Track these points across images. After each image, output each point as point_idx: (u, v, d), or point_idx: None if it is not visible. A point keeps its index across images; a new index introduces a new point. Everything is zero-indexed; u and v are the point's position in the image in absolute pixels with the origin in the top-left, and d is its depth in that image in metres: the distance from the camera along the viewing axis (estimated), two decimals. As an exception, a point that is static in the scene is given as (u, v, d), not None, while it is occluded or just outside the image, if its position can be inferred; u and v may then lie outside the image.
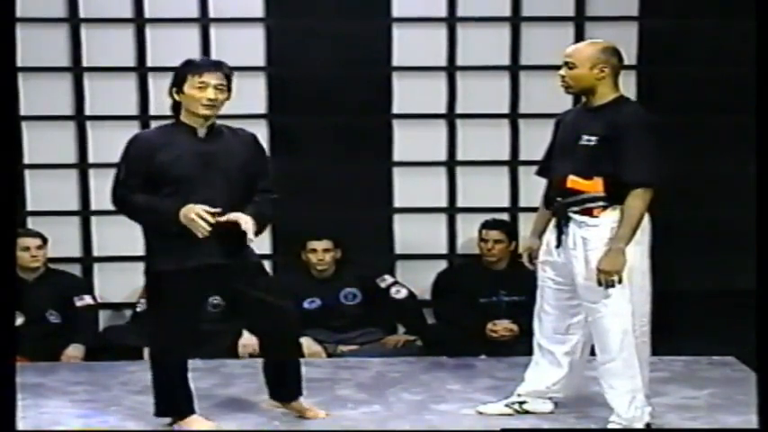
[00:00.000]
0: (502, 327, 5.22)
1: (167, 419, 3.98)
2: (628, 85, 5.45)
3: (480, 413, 4.16)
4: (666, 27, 5.60)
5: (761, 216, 2.37)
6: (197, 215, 3.65)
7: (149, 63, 5.60)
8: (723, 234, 5.58)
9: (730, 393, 4.42)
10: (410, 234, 5.69)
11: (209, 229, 3.66)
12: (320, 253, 5.35)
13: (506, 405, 4.15)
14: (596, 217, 3.78)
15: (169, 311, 3.82)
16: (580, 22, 5.61)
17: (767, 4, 2.39)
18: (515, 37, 5.64)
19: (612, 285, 3.70)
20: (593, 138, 3.78)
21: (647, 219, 3.80)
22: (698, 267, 5.59)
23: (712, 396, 4.41)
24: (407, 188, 5.71)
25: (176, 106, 3.86)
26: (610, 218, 3.76)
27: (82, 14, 5.55)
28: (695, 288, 5.55)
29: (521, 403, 4.13)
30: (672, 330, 4.98)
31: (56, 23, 5.54)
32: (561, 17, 5.62)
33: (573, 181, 3.81)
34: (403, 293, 5.45)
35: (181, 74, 3.82)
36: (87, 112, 5.61)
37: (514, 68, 5.65)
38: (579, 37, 5.44)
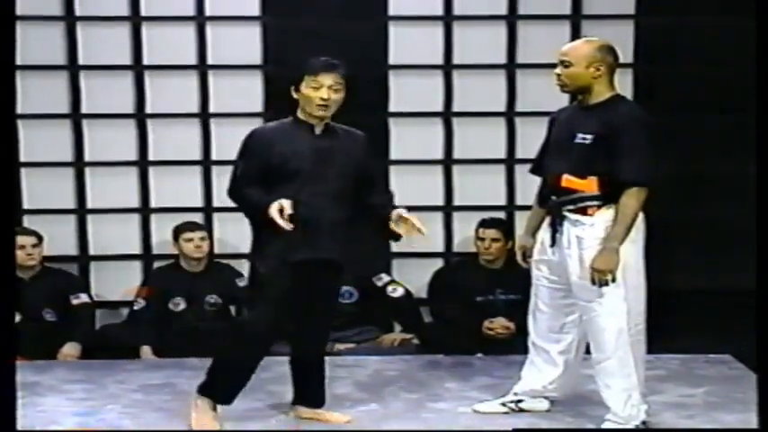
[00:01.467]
0: (498, 325, 5.23)
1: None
2: (624, 84, 5.45)
3: (477, 411, 4.17)
4: (663, 25, 5.60)
5: (761, 216, 2.36)
6: (276, 210, 3.66)
7: (146, 61, 5.59)
8: (720, 233, 5.58)
9: (727, 391, 4.43)
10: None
11: (288, 226, 3.67)
12: (317, 251, 5.34)
13: (503, 403, 4.15)
14: (591, 216, 3.78)
15: (271, 303, 3.82)
16: (576, 20, 5.61)
17: (767, 4, 2.38)
18: (512, 35, 5.64)
19: (606, 284, 3.70)
20: (589, 136, 3.77)
21: (641, 217, 3.80)
22: (695, 266, 5.59)
23: (709, 394, 4.42)
24: (404, 187, 5.66)
25: (294, 102, 3.91)
26: (604, 217, 3.76)
27: (78, 12, 5.55)
28: (692, 287, 5.56)
29: (517, 402, 4.13)
30: (669, 329, 4.99)
31: (52, 21, 5.53)
32: (558, 15, 5.62)
33: (568, 180, 3.81)
34: (399, 292, 5.45)
35: (298, 73, 3.87)
36: (83, 110, 5.60)
37: (511, 67, 5.66)
38: (576, 35, 5.44)
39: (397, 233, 3.88)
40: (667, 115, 5.26)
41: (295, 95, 3.87)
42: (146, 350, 5.20)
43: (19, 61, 5.42)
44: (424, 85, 5.67)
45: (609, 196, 3.75)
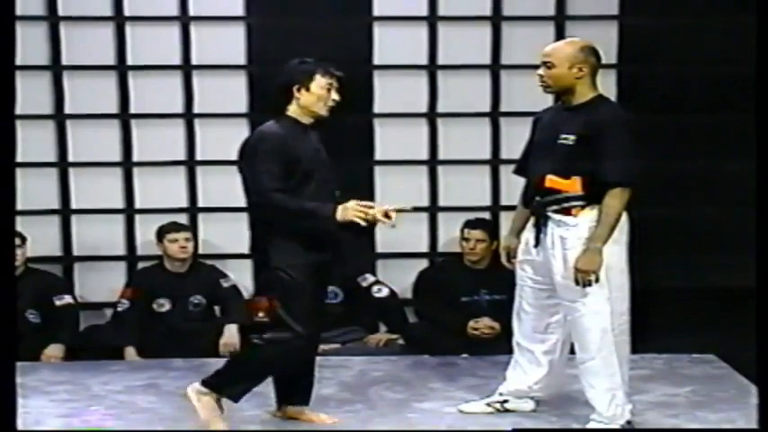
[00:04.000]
0: (483, 324, 5.23)
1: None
2: (608, 84, 5.47)
3: (462, 412, 4.17)
4: (647, 25, 5.62)
5: (761, 216, 2.36)
6: (356, 210, 3.69)
7: (130, 61, 5.58)
8: (703, 232, 5.60)
9: (710, 390, 4.45)
10: (391, 233, 5.65)
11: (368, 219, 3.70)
12: (301, 252, 5.34)
13: (488, 404, 4.16)
14: (574, 216, 3.78)
15: (301, 303, 3.78)
16: (560, 21, 5.62)
17: (767, 4, 2.37)
18: (496, 36, 5.65)
19: (590, 284, 3.71)
20: (571, 137, 3.78)
21: (625, 217, 3.81)
22: (678, 266, 5.60)
23: (693, 393, 4.43)
24: (389, 187, 5.71)
25: (282, 102, 3.86)
26: (588, 217, 3.77)
27: (61, 12, 5.53)
28: (676, 286, 5.57)
29: (502, 402, 4.14)
30: (653, 328, 5.00)
31: (35, 21, 5.51)
32: (542, 16, 5.63)
33: (551, 180, 3.82)
34: (384, 292, 5.45)
35: (308, 71, 3.84)
36: (67, 110, 5.58)
37: (495, 67, 5.66)
38: (560, 36, 5.45)
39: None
40: (650, 115, 5.28)
41: (297, 94, 3.83)
42: (130, 351, 5.19)
43: (2, 61, 5.41)
44: (409, 85, 5.68)
45: (592, 197, 3.76)
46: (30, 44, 5.48)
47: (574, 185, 3.78)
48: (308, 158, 3.80)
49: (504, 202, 5.63)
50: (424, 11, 5.64)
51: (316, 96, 3.84)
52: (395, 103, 5.67)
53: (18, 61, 5.69)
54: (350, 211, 3.70)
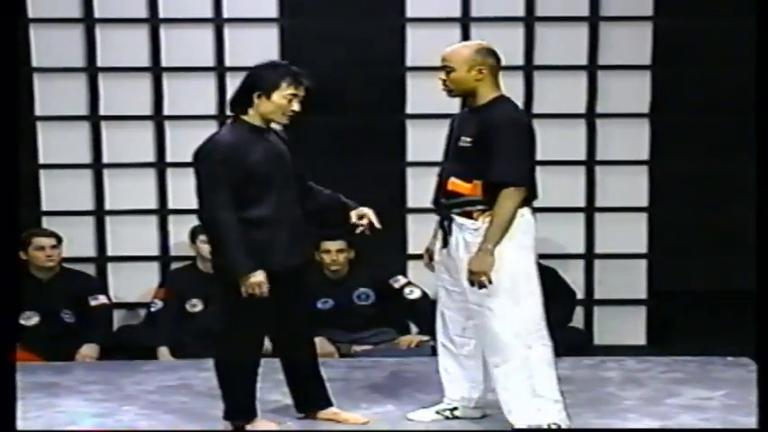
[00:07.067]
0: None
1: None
2: (642, 86, 5.46)
3: (410, 420, 4.10)
4: (681, 26, 5.57)
5: (761, 216, 2.36)
6: (259, 285, 3.68)
7: (164, 63, 5.61)
8: (740, 234, 5.54)
9: (744, 394, 4.39)
10: (423, 234, 5.64)
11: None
12: (334, 253, 5.36)
13: (437, 411, 4.09)
14: (476, 220, 3.73)
15: (257, 314, 3.77)
16: (594, 21, 5.59)
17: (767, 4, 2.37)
18: (529, 37, 5.62)
19: (483, 286, 3.64)
20: (468, 139, 3.75)
21: (530, 221, 3.74)
22: (713, 268, 5.57)
23: (726, 397, 4.39)
24: (421, 188, 5.67)
25: (241, 105, 3.80)
26: (489, 221, 3.70)
27: (96, 15, 5.57)
28: (710, 288, 5.53)
29: (452, 409, 4.07)
30: (687, 330, 4.97)
31: (70, 24, 5.55)
32: (575, 17, 5.60)
33: (453, 183, 3.78)
34: (416, 294, 5.44)
35: (273, 80, 3.76)
36: (102, 112, 5.62)
37: (528, 68, 5.64)
38: (593, 36, 5.44)
39: (356, 225, 3.93)
40: (685, 116, 5.24)
41: (257, 100, 3.75)
42: (163, 351, 5.22)
43: (37, 63, 5.48)
44: (441, 86, 5.65)
45: (493, 200, 3.69)
46: (65, 46, 5.55)
47: (475, 189, 3.72)
48: (265, 164, 3.73)
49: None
50: (456, 12, 5.63)
51: (275, 105, 3.75)
52: (427, 104, 5.64)
53: (54, 63, 5.78)
54: (255, 287, 3.67)
